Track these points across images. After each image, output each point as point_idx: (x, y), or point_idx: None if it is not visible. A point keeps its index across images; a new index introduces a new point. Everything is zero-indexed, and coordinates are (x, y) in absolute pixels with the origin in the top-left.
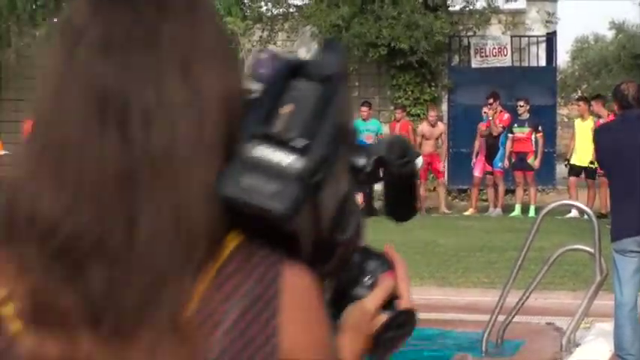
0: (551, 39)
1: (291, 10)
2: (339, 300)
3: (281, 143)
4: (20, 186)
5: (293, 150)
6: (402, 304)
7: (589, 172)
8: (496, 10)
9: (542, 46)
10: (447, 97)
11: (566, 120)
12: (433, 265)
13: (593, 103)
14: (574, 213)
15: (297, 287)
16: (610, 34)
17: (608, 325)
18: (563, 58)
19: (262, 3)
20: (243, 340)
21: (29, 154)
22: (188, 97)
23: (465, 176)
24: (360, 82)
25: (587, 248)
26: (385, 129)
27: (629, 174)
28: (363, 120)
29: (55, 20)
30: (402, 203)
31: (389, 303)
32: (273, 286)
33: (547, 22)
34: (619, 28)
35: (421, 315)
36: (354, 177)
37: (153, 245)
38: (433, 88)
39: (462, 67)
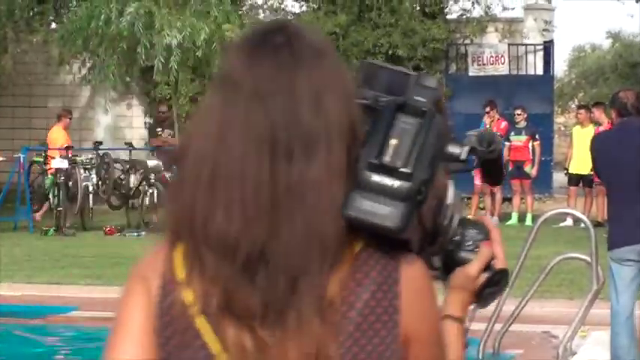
0: (548, 47)
1: (288, 17)
2: (447, 263)
3: (391, 171)
4: (193, 206)
5: (400, 176)
6: (498, 264)
7: (587, 181)
8: (493, 18)
9: (540, 55)
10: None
11: (562, 128)
12: None
13: (594, 109)
14: (569, 222)
15: (411, 274)
16: (607, 43)
17: (605, 334)
18: (560, 67)
19: (260, 10)
20: (372, 316)
21: (196, 182)
22: (319, 132)
23: (463, 184)
24: None
25: (584, 257)
26: None
27: (627, 183)
28: None
29: (215, 73)
30: (492, 175)
31: (487, 265)
32: (393, 275)
33: (544, 30)
34: (615, 37)
35: None
36: (452, 163)
37: (292, 250)
38: None
39: (459, 75)
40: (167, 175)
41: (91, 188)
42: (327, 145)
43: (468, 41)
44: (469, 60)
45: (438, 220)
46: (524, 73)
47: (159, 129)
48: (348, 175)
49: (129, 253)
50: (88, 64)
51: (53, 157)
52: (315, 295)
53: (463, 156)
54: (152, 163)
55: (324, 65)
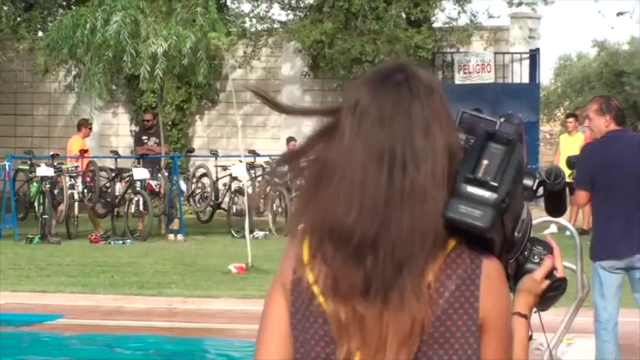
0: (534, 56)
1: (275, 26)
2: (517, 272)
3: (482, 184)
4: (320, 205)
5: (489, 188)
6: (558, 274)
7: (573, 188)
8: (479, 27)
9: (526, 63)
10: None
11: (548, 137)
12: None
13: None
14: (553, 229)
15: (490, 272)
16: (593, 52)
17: (590, 341)
18: (546, 76)
19: (246, 19)
20: (457, 304)
21: (326, 186)
22: (428, 150)
23: None
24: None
25: (569, 265)
26: None
27: (620, 193)
28: None
29: (342, 101)
30: (556, 207)
31: (550, 274)
32: (476, 271)
33: (529, 37)
34: (601, 46)
35: None
36: (525, 193)
37: (397, 239)
38: None
39: (445, 84)
40: (153, 183)
41: (76, 196)
42: (433, 161)
43: (454, 49)
44: (455, 68)
45: (515, 232)
46: (510, 81)
47: (144, 137)
48: (447, 185)
49: (114, 262)
50: (74, 72)
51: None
52: (415, 280)
53: (534, 187)
54: (138, 171)
55: (433, 99)
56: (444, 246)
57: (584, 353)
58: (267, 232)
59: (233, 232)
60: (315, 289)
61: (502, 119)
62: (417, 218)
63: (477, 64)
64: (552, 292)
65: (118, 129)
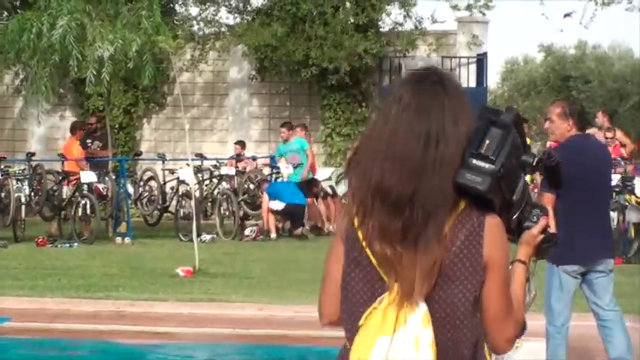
0: (481, 60)
1: (222, 29)
2: (519, 228)
3: (484, 158)
4: (369, 173)
5: (489, 161)
6: (551, 230)
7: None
8: (424, 32)
9: (473, 67)
10: None
11: None
12: None
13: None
14: None
15: (492, 226)
16: (540, 56)
17: (538, 345)
18: (493, 79)
19: (194, 22)
20: (465, 250)
21: (373, 159)
22: (455, 135)
23: None
24: (291, 103)
25: None
26: (314, 146)
27: (586, 198)
28: (284, 141)
29: (387, 97)
30: (551, 180)
31: (544, 230)
32: (480, 226)
33: (473, 44)
34: (547, 50)
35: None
36: (525, 168)
37: (427, 197)
38: (364, 109)
39: (392, 88)
40: (100, 186)
41: (23, 199)
42: (458, 142)
43: (400, 54)
44: (402, 72)
45: (513, 195)
46: None
47: (88, 140)
48: (462, 159)
49: (61, 264)
50: (22, 76)
51: (73, 171)
52: (437, 230)
53: (534, 163)
54: (85, 174)
55: (459, 97)
56: (457, 206)
57: (532, 356)
58: (215, 236)
59: (180, 235)
60: (363, 239)
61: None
62: (442, 183)
63: None
64: (546, 244)
65: (65, 132)
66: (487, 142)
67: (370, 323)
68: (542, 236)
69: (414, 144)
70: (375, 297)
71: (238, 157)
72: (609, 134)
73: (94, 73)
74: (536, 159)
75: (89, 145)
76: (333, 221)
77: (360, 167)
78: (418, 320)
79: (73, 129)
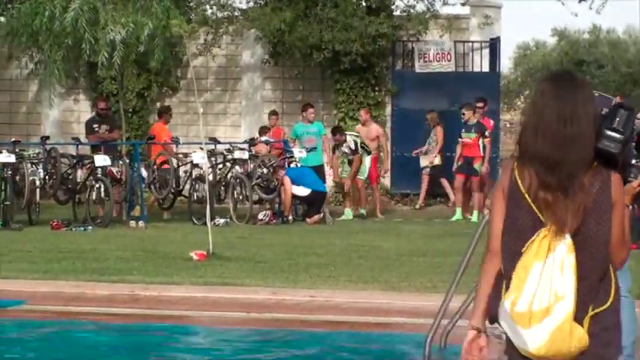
0: (494, 44)
1: (235, 13)
2: (624, 182)
3: (616, 130)
4: (528, 142)
5: (620, 133)
6: None
7: None
8: (436, 15)
9: (486, 52)
10: (390, 101)
11: (508, 125)
12: (376, 269)
13: None
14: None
15: (616, 178)
16: (552, 41)
17: None
18: (505, 64)
19: (207, 6)
20: (601, 195)
21: (532, 132)
22: (585, 116)
23: (408, 180)
24: (304, 87)
25: None
26: (327, 132)
27: None
28: (310, 121)
29: (536, 89)
30: None
31: None
32: (609, 177)
33: (483, 24)
34: (561, 34)
35: (364, 319)
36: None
37: (571, 161)
38: (377, 93)
39: (405, 72)
40: (114, 170)
41: (38, 183)
42: (587, 121)
43: (414, 38)
44: (415, 57)
45: (627, 159)
46: (470, 70)
47: (95, 125)
48: (593, 133)
49: (76, 248)
50: (36, 59)
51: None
52: (580, 181)
53: (635, 137)
54: (99, 158)
55: (586, 89)
56: (591, 166)
57: None
58: (228, 220)
59: (194, 219)
60: (524, 189)
61: (617, 98)
62: (581, 150)
63: (437, 53)
64: None
65: (79, 115)
66: (617, 119)
67: (529, 251)
68: (639, 188)
69: (556, 122)
70: (533, 231)
71: (252, 142)
72: None
73: (106, 56)
74: (635, 133)
75: (96, 129)
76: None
77: (522, 141)
78: (564, 248)
79: (160, 113)
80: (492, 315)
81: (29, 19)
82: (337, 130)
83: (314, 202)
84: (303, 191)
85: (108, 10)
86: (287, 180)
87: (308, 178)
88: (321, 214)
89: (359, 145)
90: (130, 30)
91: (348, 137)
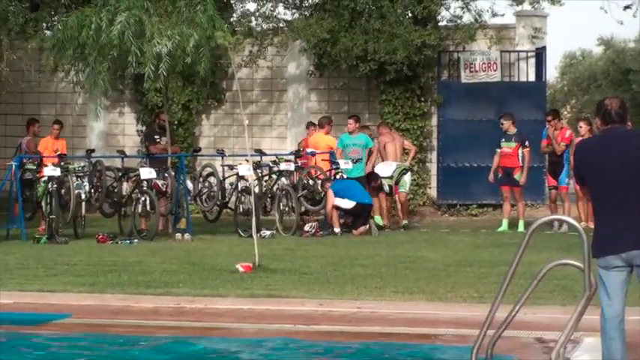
0: (540, 54)
1: (280, 25)
2: None
3: None
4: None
5: None
6: None
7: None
8: (483, 25)
9: (532, 61)
10: (436, 112)
11: None
12: (422, 279)
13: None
14: (563, 228)
15: None
16: (599, 50)
17: (597, 340)
18: (551, 74)
19: (252, 18)
20: None
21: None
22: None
23: (454, 191)
24: (350, 98)
25: (577, 263)
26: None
27: (612, 191)
28: (350, 133)
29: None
30: None
31: None
32: None
33: (533, 37)
34: (607, 43)
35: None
36: None
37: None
38: (422, 103)
39: (451, 82)
40: (159, 182)
41: (83, 196)
42: None
43: (460, 48)
44: (461, 67)
45: None
46: (516, 79)
47: (157, 136)
48: None
49: (121, 261)
50: (81, 70)
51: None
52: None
53: None
54: (145, 170)
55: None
56: None
57: (592, 351)
58: (274, 232)
59: (240, 231)
60: None
61: None
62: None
63: (483, 63)
64: None
65: (124, 128)
66: None
67: None
68: None
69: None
70: None
71: (297, 154)
72: None
73: (152, 69)
74: None
75: (158, 140)
76: (385, 217)
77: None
78: None
79: (321, 124)
80: None
81: (75, 32)
82: (371, 177)
83: (360, 214)
84: (348, 204)
85: (154, 22)
86: (330, 193)
87: (354, 191)
88: (367, 226)
89: (393, 186)
90: (175, 42)
91: (383, 181)
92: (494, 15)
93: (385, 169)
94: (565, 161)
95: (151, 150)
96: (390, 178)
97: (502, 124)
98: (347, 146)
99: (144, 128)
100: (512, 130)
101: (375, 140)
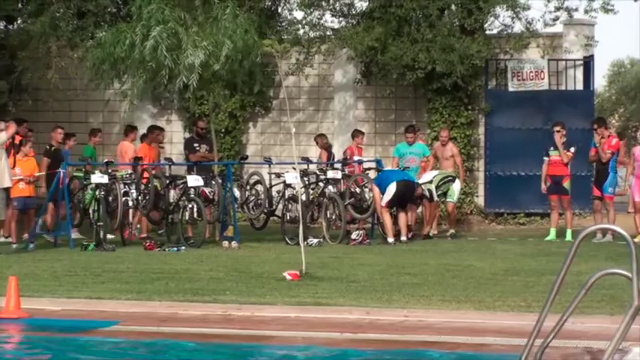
0: (588, 62)
1: (327, 33)
2: None
3: None
4: None
5: None
6: None
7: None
8: (534, 34)
9: (580, 70)
10: (484, 120)
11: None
12: (470, 288)
13: None
14: (608, 237)
15: None
16: None
17: None
18: (599, 82)
19: (299, 26)
20: None
21: None
22: None
23: (502, 199)
24: (397, 106)
25: (625, 272)
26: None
27: None
28: (409, 144)
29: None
30: None
31: None
32: None
33: (586, 45)
34: None
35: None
36: None
37: None
38: (470, 112)
39: (499, 91)
40: (207, 190)
41: (130, 203)
42: None
43: (507, 56)
44: (509, 75)
45: None
46: (564, 88)
47: (196, 144)
48: None
49: (168, 268)
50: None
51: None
52: None
53: None
54: (192, 178)
55: None
56: None
57: None
58: (321, 240)
59: (287, 239)
60: None
61: None
62: None
63: (531, 71)
64: None
65: (171, 136)
66: None
67: None
68: None
69: None
70: None
71: (345, 161)
72: None
73: (184, 81)
74: None
75: (198, 148)
76: (429, 225)
77: None
78: None
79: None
80: None
81: (110, 47)
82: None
83: (404, 194)
84: (390, 189)
85: (190, 34)
86: (375, 189)
87: (391, 175)
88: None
89: (434, 193)
90: (208, 52)
91: (423, 187)
92: (546, 25)
93: (425, 176)
94: (611, 169)
95: (190, 158)
96: (430, 182)
97: (559, 131)
98: (404, 155)
99: (187, 135)
100: (563, 139)
101: (430, 148)
